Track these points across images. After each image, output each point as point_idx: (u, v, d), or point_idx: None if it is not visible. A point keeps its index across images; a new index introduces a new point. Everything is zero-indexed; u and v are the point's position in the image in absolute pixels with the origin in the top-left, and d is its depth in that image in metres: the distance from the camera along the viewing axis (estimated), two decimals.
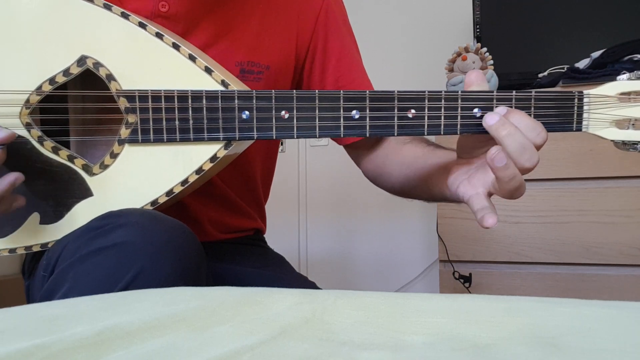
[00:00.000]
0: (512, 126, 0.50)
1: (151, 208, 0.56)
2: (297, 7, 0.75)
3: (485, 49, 1.35)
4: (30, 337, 0.26)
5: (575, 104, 0.53)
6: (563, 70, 1.29)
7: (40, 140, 0.56)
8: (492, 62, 1.35)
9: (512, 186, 0.50)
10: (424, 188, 0.66)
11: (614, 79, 1.23)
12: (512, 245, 1.27)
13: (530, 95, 0.53)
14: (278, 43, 0.73)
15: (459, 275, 1.29)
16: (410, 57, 1.85)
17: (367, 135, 0.55)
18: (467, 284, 1.28)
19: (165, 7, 0.65)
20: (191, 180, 0.56)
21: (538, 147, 0.51)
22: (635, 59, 1.22)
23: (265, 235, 0.89)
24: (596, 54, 1.27)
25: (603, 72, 1.20)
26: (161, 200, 0.56)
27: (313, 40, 0.76)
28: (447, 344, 0.27)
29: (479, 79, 0.54)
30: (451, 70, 1.37)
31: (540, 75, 1.37)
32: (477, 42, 1.41)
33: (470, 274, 1.29)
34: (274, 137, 0.55)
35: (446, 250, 1.31)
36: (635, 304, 0.35)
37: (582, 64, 1.30)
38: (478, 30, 1.50)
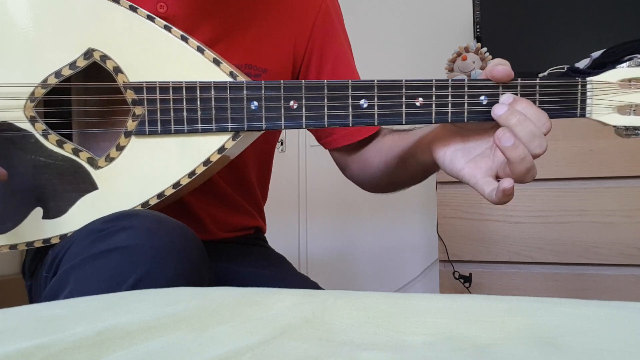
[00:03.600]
0: (520, 114, 0.50)
1: (157, 200, 0.56)
2: (295, 12, 0.75)
3: (485, 49, 1.35)
4: (30, 337, 0.26)
5: (579, 90, 0.54)
6: (563, 70, 1.29)
7: (45, 134, 0.56)
8: None
9: (523, 167, 0.50)
10: (403, 167, 0.67)
11: None
12: (512, 245, 1.27)
13: (535, 83, 0.54)
14: (276, 47, 0.74)
15: (459, 275, 1.29)
16: (410, 57, 1.85)
17: (376, 124, 0.55)
18: (467, 284, 1.28)
19: (164, 8, 0.65)
20: (198, 172, 0.56)
21: None
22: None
23: (265, 235, 0.89)
24: (596, 54, 1.27)
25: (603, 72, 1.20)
26: (168, 193, 0.56)
27: (309, 45, 0.76)
28: (447, 344, 0.27)
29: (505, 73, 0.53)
30: (451, 70, 1.37)
31: (540, 75, 1.37)
32: (477, 42, 1.41)
33: (470, 274, 1.29)
34: (283, 127, 0.55)
35: (446, 250, 1.31)
36: (635, 304, 0.35)
37: (582, 64, 1.30)
38: (478, 30, 1.49)
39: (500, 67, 0.53)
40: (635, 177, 1.18)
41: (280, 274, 0.77)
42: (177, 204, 0.63)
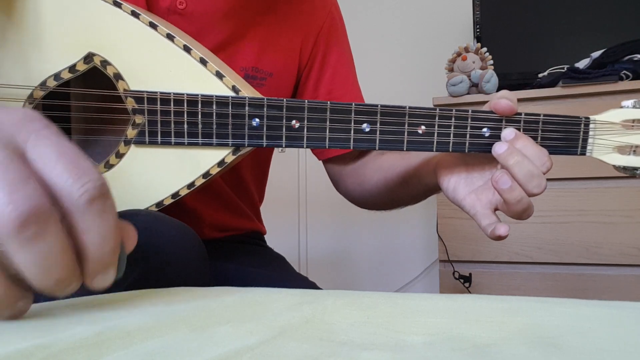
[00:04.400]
0: (520, 154, 0.51)
1: (156, 209, 0.56)
2: (303, 17, 0.76)
3: (485, 49, 1.35)
4: (30, 337, 0.26)
5: (582, 129, 0.54)
6: (563, 70, 1.29)
7: None
8: (492, 62, 1.35)
9: (520, 208, 0.51)
10: (405, 186, 0.67)
11: (614, 79, 1.23)
12: (512, 245, 1.27)
13: (539, 118, 0.54)
14: (283, 51, 0.74)
15: (459, 275, 1.29)
16: (411, 57, 1.85)
17: (377, 148, 0.54)
18: (467, 284, 1.29)
19: (183, 5, 0.65)
20: (198, 183, 0.56)
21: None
22: (635, 59, 1.22)
23: (265, 236, 0.89)
24: (596, 54, 1.27)
25: (603, 72, 1.20)
26: (166, 202, 0.56)
27: (314, 51, 0.77)
28: (447, 344, 0.27)
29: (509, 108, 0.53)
30: (451, 70, 1.37)
31: (540, 75, 1.37)
32: (477, 42, 1.41)
33: (470, 274, 1.29)
34: (284, 146, 0.55)
35: (446, 250, 1.31)
36: (635, 304, 0.35)
37: (582, 64, 1.30)
38: (478, 30, 1.50)
39: (503, 101, 0.52)
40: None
41: (279, 274, 0.77)
42: (174, 204, 0.63)
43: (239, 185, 0.79)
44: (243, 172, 0.78)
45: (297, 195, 1.97)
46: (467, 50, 1.36)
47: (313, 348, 0.26)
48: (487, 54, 1.34)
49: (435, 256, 1.69)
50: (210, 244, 0.69)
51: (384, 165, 0.72)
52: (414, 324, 0.31)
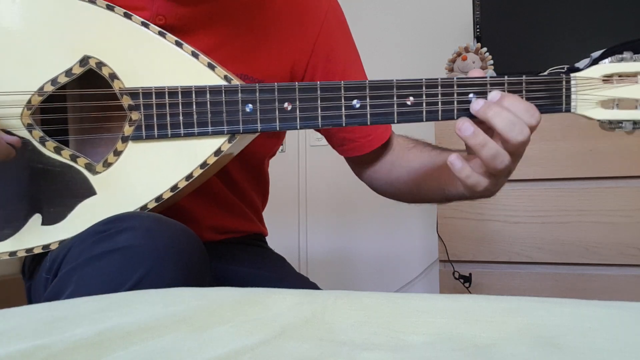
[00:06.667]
0: (497, 106, 0.52)
1: (156, 204, 0.56)
2: (297, 24, 0.74)
3: (485, 49, 1.35)
4: (30, 337, 0.26)
5: (564, 86, 0.55)
6: (563, 70, 1.29)
7: (42, 141, 0.56)
8: (492, 62, 1.35)
9: (487, 154, 0.51)
10: (438, 190, 0.67)
11: None
12: (512, 245, 1.27)
13: (522, 79, 0.56)
14: (274, 58, 0.73)
15: (459, 275, 1.29)
16: (410, 57, 1.85)
17: (369, 123, 0.56)
18: (467, 284, 1.28)
19: (162, 20, 0.65)
20: (196, 174, 0.56)
21: (533, 128, 0.52)
22: None
23: (265, 237, 0.89)
24: (596, 54, 1.27)
25: None
26: (166, 196, 0.56)
27: (313, 59, 0.75)
28: (447, 344, 0.27)
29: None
30: (451, 70, 1.37)
31: (540, 75, 1.37)
32: (477, 42, 1.41)
33: (470, 274, 1.29)
34: (277, 129, 0.56)
35: (446, 250, 1.31)
36: (635, 304, 0.35)
37: (582, 64, 1.30)
38: (478, 30, 1.50)
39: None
40: (635, 177, 1.18)
41: (280, 274, 0.77)
42: (174, 208, 0.63)
43: (237, 189, 0.79)
44: (235, 174, 0.77)
45: (297, 195, 1.97)
46: (467, 50, 1.36)
47: (313, 348, 0.26)
48: (487, 54, 1.34)
49: (435, 256, 1.69)
50: (211, 245, 0.68)
51: (413, 166, 0.71)
52: (414, 324, 0.31)
